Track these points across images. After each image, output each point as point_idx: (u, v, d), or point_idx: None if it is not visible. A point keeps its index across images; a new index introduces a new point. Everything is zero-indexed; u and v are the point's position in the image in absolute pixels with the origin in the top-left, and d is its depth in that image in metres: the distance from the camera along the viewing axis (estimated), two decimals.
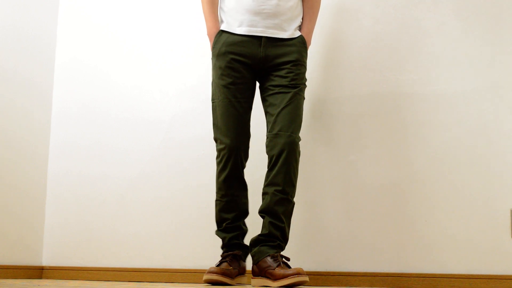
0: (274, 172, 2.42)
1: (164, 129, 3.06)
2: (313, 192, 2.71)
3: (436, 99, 2.57)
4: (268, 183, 2.44)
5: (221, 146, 2.48)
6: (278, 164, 2.41)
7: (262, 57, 2.48)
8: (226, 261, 2.44)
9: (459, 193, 2.49)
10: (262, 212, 2.45)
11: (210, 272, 2.36)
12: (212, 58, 2.54)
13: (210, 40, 2.55)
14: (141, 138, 3.11)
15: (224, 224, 2.52)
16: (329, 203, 2.68)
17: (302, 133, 2.80)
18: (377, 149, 2.63)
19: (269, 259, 2.36)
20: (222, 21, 2.56)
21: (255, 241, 2.45)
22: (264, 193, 2.45)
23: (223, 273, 2.37)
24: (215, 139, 2.52)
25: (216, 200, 2.54)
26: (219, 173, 2.51)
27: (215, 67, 2.51)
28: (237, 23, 2.50)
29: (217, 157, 2.52)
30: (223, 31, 2.52)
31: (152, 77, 3.14)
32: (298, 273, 2.24)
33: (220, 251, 2.58)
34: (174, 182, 3.00)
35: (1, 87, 3.09)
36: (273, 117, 2.45)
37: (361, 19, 2.73)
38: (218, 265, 2.43)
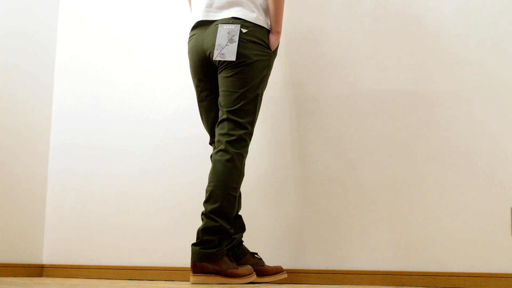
0: None
1: (165, 127, 3.06)
2: (312, 190, 2.70)
3: (436, 98, 2.56)
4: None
5: (250, 143, 2.53)
6: None
7: None
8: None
9: (459, 191, 2.49)
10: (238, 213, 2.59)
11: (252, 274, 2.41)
12: (271, 55, 2.48)
13: (278, 38, 2.49)
14: (142, 135, 3.11)
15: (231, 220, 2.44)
16: (329, 201, 2.67)
17: (301, 132, 2.81)
18: (377, 148, 2.63)
19: (251, 257, 2.54)
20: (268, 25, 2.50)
21: (240, 242, 2.56)
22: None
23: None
24: (250, 134, 2.43)
25: (238, 195, 2.45)
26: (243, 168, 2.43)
27: (271, 66, 2.51)
28: None
29: (247, 152, 2.42)
30: None
31: (152, 75, 3.14)
32: (282, 270, 2.55)
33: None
34: (175, 180, 3.00)
35: (2, 84, 3.09)
36: None
37: (361, 17, 2.72)
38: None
